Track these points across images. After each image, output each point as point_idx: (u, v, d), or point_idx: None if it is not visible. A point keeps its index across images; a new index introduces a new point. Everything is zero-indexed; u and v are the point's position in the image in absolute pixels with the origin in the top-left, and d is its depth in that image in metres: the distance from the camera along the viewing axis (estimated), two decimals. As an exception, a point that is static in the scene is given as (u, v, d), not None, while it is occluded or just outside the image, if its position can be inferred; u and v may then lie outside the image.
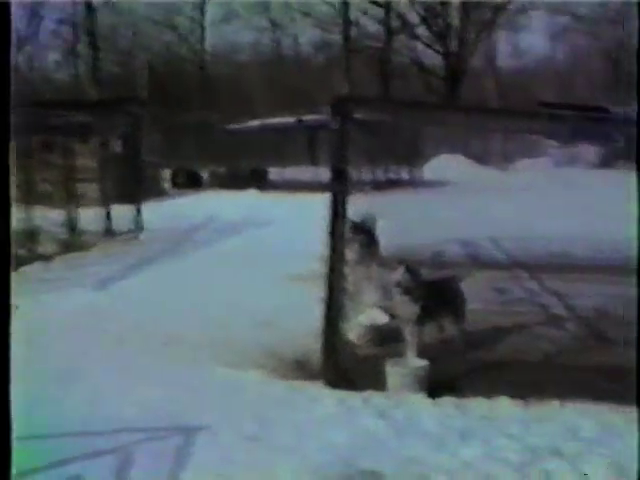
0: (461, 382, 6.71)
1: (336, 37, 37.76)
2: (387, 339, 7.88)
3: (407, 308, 7.29)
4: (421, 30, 43.31)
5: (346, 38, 25.25)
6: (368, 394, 6.05)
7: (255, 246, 13.71)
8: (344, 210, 6.68)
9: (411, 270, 7.28)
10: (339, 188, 7.08)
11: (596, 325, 8.90)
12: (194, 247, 13.04)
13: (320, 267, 11.92)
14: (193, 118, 29.98)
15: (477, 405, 5.95)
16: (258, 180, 26.12)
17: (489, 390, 6.47)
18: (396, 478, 4.62)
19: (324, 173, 28.63)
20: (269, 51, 49.73)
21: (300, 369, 7.04)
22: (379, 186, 24.64)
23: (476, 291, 10.26)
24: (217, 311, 8.88)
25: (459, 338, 7.69)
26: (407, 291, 7.25)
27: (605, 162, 39.57)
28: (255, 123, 27.33)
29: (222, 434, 5.19)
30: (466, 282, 10.22)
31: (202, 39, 47.53)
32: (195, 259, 11.87)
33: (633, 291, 10.86)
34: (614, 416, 5.87)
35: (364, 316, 8.22)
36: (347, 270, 8.29)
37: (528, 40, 53.09)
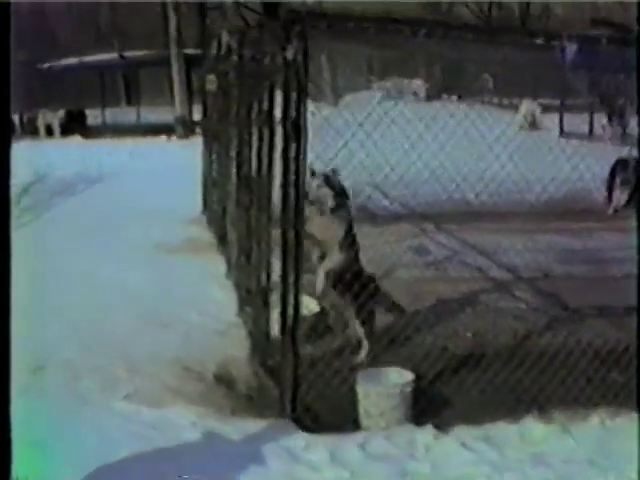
0: (436, 392, 5.02)
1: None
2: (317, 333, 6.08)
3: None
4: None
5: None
6: (362, 437, 4.21)
7: (101, 209, 11.36)
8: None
9: None
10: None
11: (548, 290, 7.52)
12: (27, 215, 10.45)
13: (197, 233, 9.96)
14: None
15: (507, 436, 4.26)
16: (78, 125, 23.18)
17: (481, 401, 4.88)
18: None
19: (150, 115, 25.85)
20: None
21: (230, 391, 5.11)
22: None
23: (391, 252, 8.71)
24: (81, 307, 6.66)
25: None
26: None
27: (431, 95, 39.28)
28: (72, 61, 24.24)
29: None
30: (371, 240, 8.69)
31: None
32: (32, 232, 9.31)
33: (558, 241, 9.74)
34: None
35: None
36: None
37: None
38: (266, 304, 5.45)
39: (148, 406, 4.62)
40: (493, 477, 3.71)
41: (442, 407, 4.83)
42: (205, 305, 6.73)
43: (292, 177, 4.33)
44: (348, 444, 4.06)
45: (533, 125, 23.29)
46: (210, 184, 9.64)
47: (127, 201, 11.80)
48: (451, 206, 11.09)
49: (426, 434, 4.21)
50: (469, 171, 12.59)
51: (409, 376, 4.74)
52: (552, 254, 8.95)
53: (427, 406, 4.74)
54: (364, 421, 4.60)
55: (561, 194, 11.72)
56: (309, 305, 6.19)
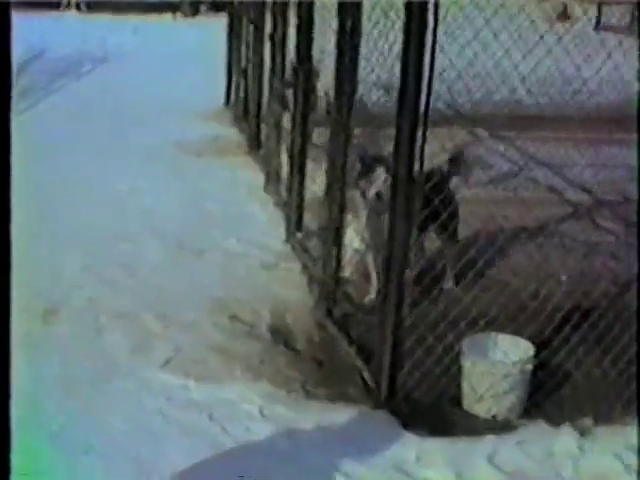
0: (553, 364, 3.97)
1: None
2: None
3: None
4: None
5: None
6: (489, 445, 3.19)
7: (109, 96, 10.04)
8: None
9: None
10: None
11: (632, 218, 6.44)
12: (24, 101, 9.09)
13: (220, 130, 8.67)
14: None
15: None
16: (72, -2, 21.33)
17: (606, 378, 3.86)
18: None
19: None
20: None
21: (293, 353, 4.06)
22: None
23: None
24: (94, 229, 5.53)
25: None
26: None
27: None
28: None
29: None
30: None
31: None
32: (30, 123, 7.88)
33: (625, 154, 8.56)
34: None
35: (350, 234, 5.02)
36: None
37: None
38: (337, 239, 4.35)
39: (196, 380, 3.58)
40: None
41: (563, 387, 3.83)
42: (244, 228, 5.65)
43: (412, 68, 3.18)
44: (473, 456, 3.04)
45: (563, 16, 21.64)
46: (238, 73, 8.34)
47: (136, 88, 10.50)
48: (499, 109, 9.86)
49: (567, 441, 3.19)
50: (503, 68, 11.30)
51: (529, 349, 3.71)
52: (624, 170, 7.82)
53: (546, 384, 3.73)
54: (472, 406, 3.61)
55: (616, 97, 10.50)
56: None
